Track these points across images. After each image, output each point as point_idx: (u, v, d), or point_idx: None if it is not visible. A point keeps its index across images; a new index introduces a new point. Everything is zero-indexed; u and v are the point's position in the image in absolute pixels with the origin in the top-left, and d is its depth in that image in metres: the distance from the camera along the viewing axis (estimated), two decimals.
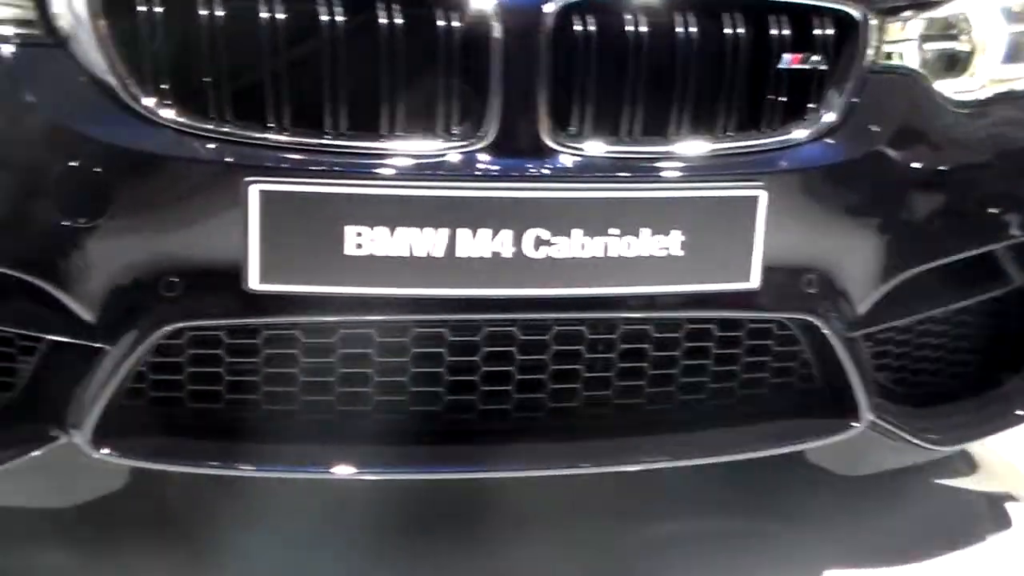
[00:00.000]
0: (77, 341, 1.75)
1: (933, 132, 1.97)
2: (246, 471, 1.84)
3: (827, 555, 2.16)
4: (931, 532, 2.26)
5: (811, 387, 2.00)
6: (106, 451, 1.78)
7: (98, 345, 1.74)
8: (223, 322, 1.78)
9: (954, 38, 2.01)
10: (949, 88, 2.00)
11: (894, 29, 1.93)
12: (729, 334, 1.94)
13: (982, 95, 2.02)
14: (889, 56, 1.94)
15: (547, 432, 1.91)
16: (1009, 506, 2.39)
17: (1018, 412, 2.19)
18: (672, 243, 1.77)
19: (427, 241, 1.71)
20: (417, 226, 1.71)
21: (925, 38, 1.98)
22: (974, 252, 2.04)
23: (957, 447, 2.31)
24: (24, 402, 1.83)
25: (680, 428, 1.95)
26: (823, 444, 1.99)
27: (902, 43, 1.95)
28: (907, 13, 1.95)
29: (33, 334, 1.79)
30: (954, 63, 2.01)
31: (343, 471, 1.85)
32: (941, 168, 1.97)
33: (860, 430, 1.98)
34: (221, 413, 1.85)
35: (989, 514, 2.35)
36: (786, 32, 1.81)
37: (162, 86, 1.68)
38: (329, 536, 2.14)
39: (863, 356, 1.97)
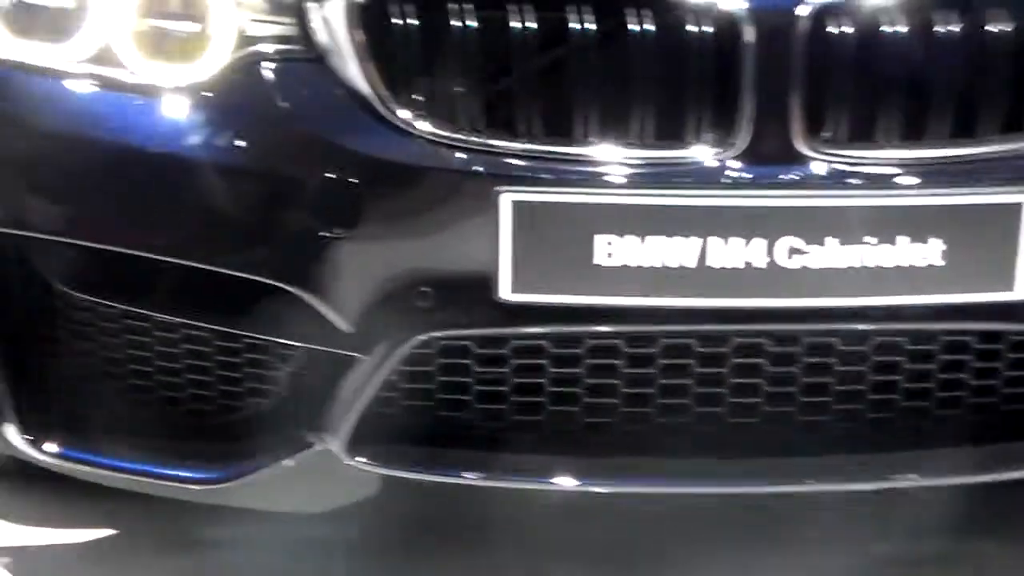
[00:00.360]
0: (333, 350, 1.77)
1: None
2: (497, 482, 1.84)
3: None
4: None
5: None
6: (361, 459, 1.80)
7: (353, 354, 1.76)
8: (474, 332, 1.78)
9: None
10: None
11: None
12: (989, 346, 1.85)
13: None
14: None
15: (794, 447, 1.86)
16: None
17: None
18: (930, 252, 1.70)
19: (678, 250, 1.68)
20: (667, 235, 1.68)
21: None
22: None
23: None
24: (280, 409, 1.86)
25: (935, 444, 1.86)
26: None
27: None
28: None
29: (290, 343, 1.82)
30: None
31: (590, 484, 1.85)
32: None
33: None
34: (470, 423, 1.85)
35: None
36: None
37: (415, 97, 1.69)
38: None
39: None
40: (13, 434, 1.90)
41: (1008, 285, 1.73)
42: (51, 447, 1.90)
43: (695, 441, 1.86)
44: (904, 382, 1.84)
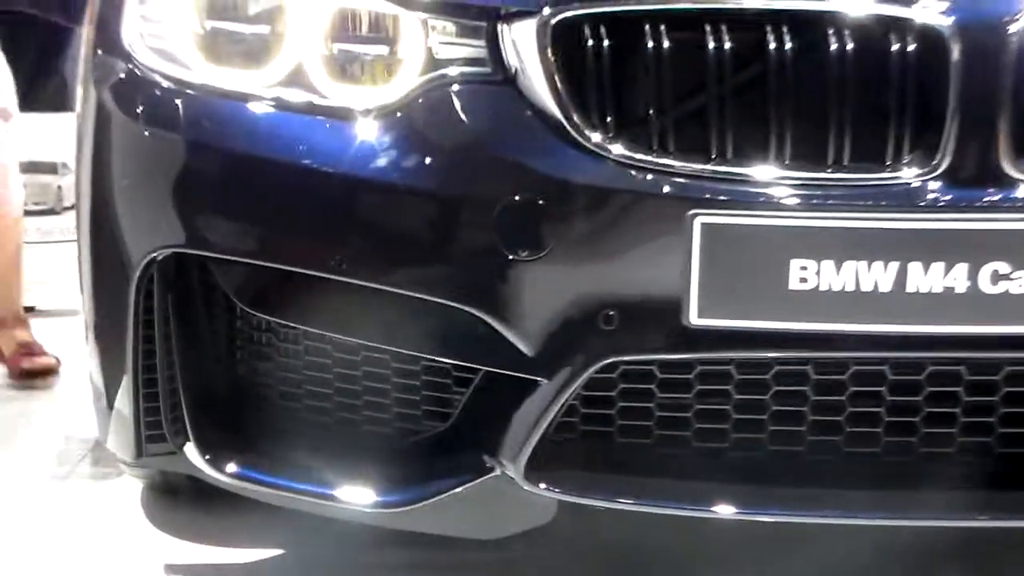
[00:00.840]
0: (514, 374, 1.75)
1: None
2: (679, 510, 1.80)
3: None
4: None
5: None
6: (541, 485, 1.77)
7: (535, 378, 1.74)
8: (659, 357, 1.75)
9: None
10: None
11: None
12: None
13: None
14: None
15: (995, 479, 1.80)
16: None
17: None
18: None
19: (875, 275, 1.64)
20: (865, 259, 1.64)
21: None
22: None
23: None
24: (457, 433, 1.85)
25: None
26: None
27: None
28: None
29: (472, 366, 1.80)
30: None
31: (774, 514, 1.80)
32: None
33: None
34: (650, 449, 1.83)
35: None
36: None
37: (607, 119, 1.68)
38: None
39: None
40: (193, 453, 1.92)
41: None
42: (230, 467, 1.92)
43: (884, 471, 1.82)
44: None
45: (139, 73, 1.85)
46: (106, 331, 1.96)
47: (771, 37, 1.63)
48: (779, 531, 1.97)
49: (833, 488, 1.80)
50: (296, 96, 1.77)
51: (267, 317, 1.89)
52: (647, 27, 1.65)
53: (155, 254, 1.84)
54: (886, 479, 1.81)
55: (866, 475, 1.81)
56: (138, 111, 1.85)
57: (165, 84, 1.83)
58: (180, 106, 1.81)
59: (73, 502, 2.42)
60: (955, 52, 1.60)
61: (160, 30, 1.83)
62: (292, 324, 1.88)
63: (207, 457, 1.91)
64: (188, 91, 1.81)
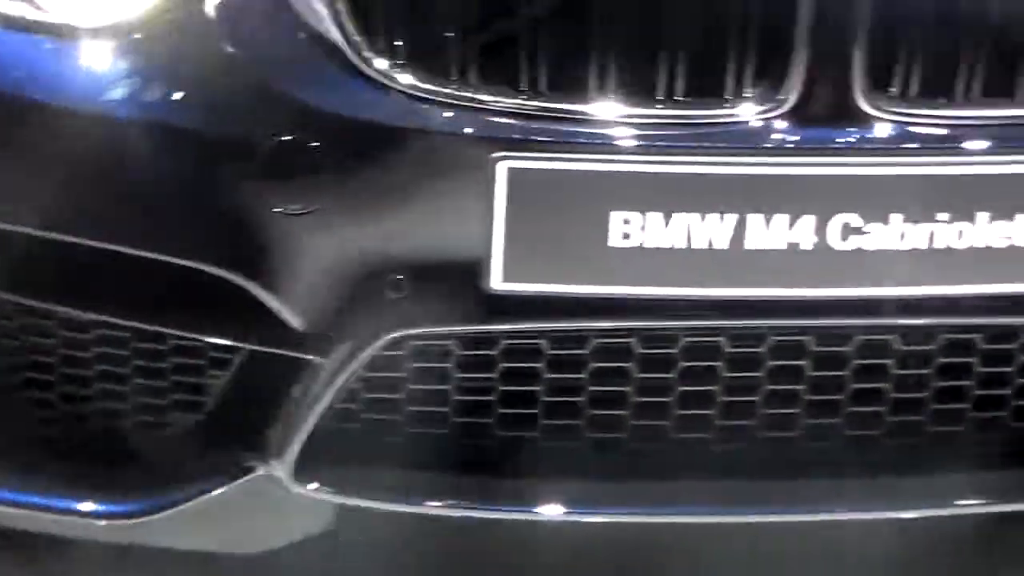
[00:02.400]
0: (282, 352, 1.71)
1: None
2: (482, 512, 1.80)
3: None
4: None
5: None
6: (312, 485, 1.75)
7: (307, 357, 1.70)
8: (456, 329, 1.73)
9: None
10: None
11: None
12: None
13: None
14: None
15: (844, 466, 1.83)
16: None
17: None
18: (1018, 231, 1.65)
19: (710, 230, 1.63)
20: (699, 211, 1.62)
21: None
22: None
23: None
24: (214, 425, 1.82)
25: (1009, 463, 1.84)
26: None
27: None
28: None
29: (229, 343, 1.76)
30: None
31: (592, 512, 1.83)
32: None
33: None
34: (449, 440, 1.81)
35: None
36: None
37: (395, 43, 1.62)
38: None
39: None
40: None
41: None
42: None
43: (718, 461, 1.83)
44: (976, 388, 1.81)
45: None
46: None
47: None
48: None
49: (664, 480, 1.81)
50: (11, 8, 1.67)
51: None
52: None
53: None
54: (720, 470, 1.83)
55: (696, 465, 1.83)
56: None
57: None
58: None
59: None
60: None
61: None
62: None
63: None
64: None
